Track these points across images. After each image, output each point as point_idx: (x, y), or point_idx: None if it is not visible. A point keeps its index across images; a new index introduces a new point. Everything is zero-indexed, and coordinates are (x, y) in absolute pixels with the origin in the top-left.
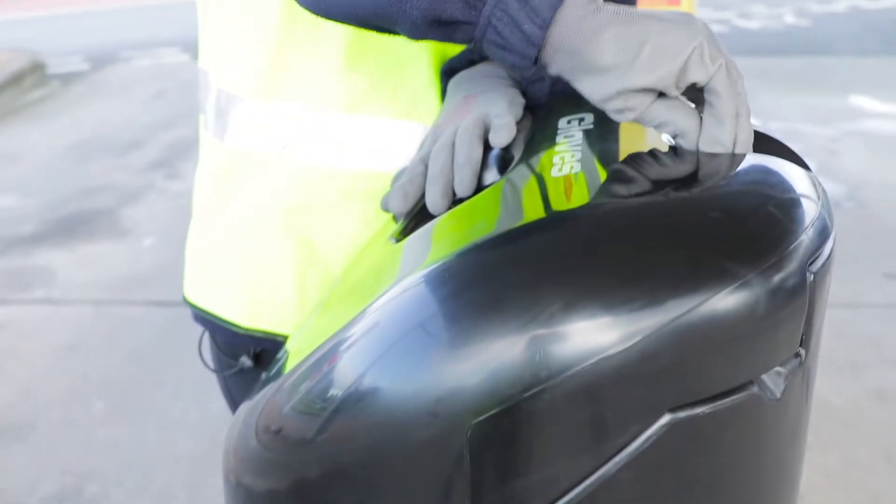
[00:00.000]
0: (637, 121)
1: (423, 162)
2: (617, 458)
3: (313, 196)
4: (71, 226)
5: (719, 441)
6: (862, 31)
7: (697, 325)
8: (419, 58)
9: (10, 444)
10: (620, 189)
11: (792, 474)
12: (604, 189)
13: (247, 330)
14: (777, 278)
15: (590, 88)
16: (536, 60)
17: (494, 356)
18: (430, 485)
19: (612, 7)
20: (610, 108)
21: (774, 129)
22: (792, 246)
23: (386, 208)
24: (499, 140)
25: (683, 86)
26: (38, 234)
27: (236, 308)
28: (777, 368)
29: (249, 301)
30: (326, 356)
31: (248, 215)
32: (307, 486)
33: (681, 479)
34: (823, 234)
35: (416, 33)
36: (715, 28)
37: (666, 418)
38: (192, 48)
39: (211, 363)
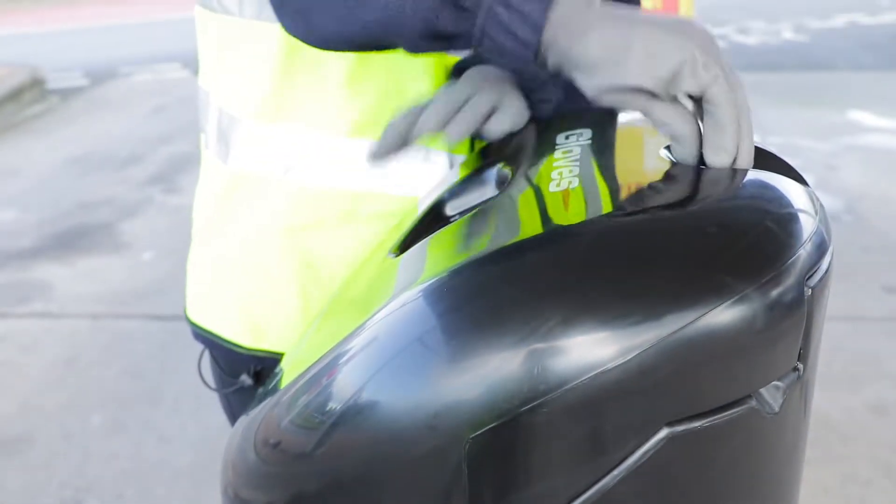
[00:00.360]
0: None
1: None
2: (615, 472)
3: (316, 216)
4: (70, 240)
5: (717, 455)
6: (860, 46)
7: (695, 339)
8: (421, 80)
9: (8, 457)
10: (618, 204)
11: (790, 489)
12: (602, 204)
13: (249, 350)
14: (775, 293)
15: (582, 83)
16: (536, 57)
17: (492, 370)
18: (429, 499)
19: (605, 8)
20: (605, 102)
21: (773, 144)
22: (790, 261)
23: (376, 150)
24: (498, 125)
25: (676, 93)
26: (36, 247)
27: (239, 328)
28: (775, 382)
29: (252, 321)
30: (325, 370)
31: (251, 236)
32: (305, 500)
33: (679, 492)
34: (821, 248)
35: (416, 48)
36: None
37: (664, 432)
38: (191, 64)
39: (211, 381)
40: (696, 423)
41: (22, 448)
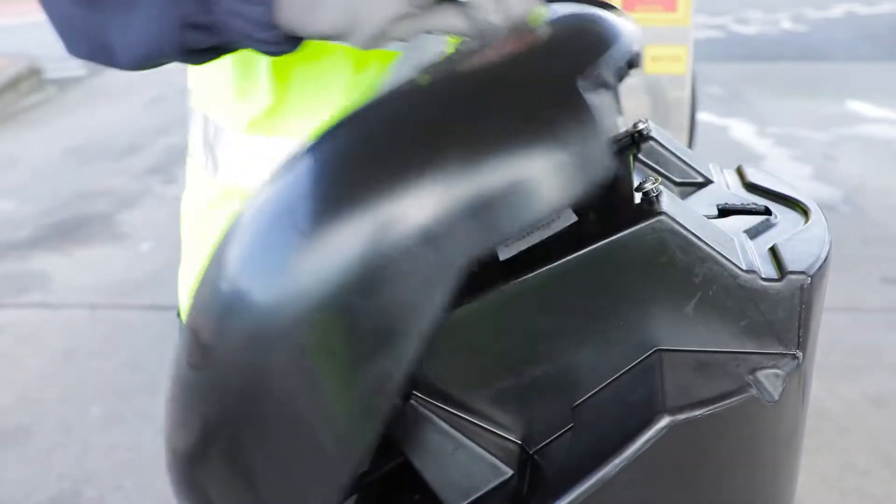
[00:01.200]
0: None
1: None
2: (616, 461)
3: None
4: (68, 230)
5: (717, 443)
6: (858, 36)
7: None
8: None
9: (7, 449)
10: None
11: (788, 478)
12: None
13: None
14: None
15: (350, 45)
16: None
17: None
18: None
19: None
20: (377, 45)
21: (771, 135)
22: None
23: None
24: None
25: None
26: (35, 238)
27: None
28: (775, 370)
29: None
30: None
31: None
32: (218, 432)
33: (679, 481)
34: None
35: (196, 63)
36: (712, 34)
37: (665, 420)
38: None
39: None
40: (697, 412)
41: (21, 439)
